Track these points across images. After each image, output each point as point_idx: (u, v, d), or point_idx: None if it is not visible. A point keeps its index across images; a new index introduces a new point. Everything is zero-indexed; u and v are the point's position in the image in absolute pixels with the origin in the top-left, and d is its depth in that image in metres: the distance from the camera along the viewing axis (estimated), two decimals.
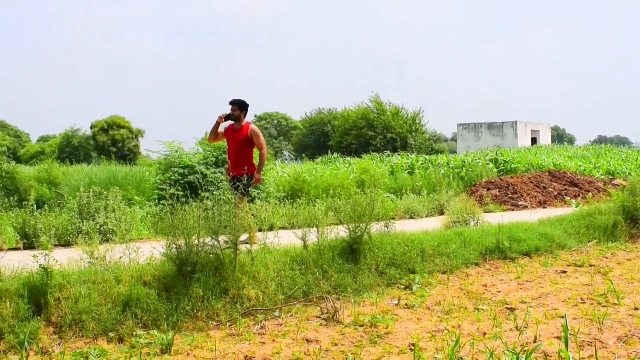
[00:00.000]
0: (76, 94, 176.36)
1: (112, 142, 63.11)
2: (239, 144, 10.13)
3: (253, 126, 10.23)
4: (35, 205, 11.33)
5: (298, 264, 8.08)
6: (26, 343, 5.75)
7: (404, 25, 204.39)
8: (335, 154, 36.65)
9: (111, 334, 6.28)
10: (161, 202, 13.33)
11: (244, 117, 10.31)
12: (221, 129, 10.33)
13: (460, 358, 5.49)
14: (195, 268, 7.16)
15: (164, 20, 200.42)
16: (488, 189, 20.51)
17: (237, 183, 9.07)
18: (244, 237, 8.02)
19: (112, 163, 27.82)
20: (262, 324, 6.79)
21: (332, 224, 8.94)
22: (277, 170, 21.62)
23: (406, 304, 7.69)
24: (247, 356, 5.79)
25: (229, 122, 10.28)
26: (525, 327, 6.51)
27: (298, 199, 15.00)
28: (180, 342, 6.14)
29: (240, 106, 10.21)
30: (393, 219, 11.32)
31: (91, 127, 67.16)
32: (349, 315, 7.09)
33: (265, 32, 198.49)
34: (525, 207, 18.76)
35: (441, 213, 15.80)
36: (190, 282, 7.04)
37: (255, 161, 10.36)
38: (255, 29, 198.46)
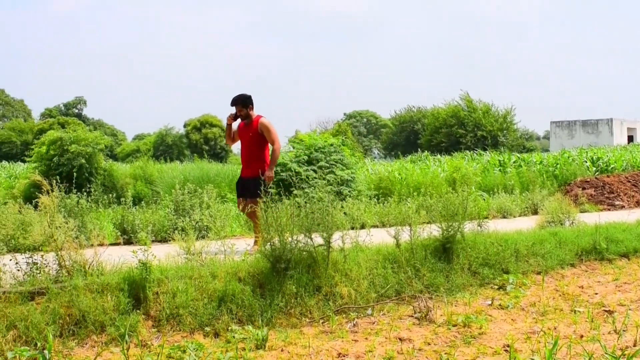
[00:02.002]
0: (170, 93, 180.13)
1: (205, 141, 64.25)
2: (249, 140, 9.47)
3: (263, 119, 9.43)
4: (132, 202, 11.63)
5: (390, 263, 8.06)
6: (127, 336, 5.91)
7: (496, 22, 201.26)
8: (425, 152, 36.35)
9: (207, 329, 6.40)
10: None
11: (252, 110, 9.54)
12: (235, 127, 9.83)
13: None
14: (289, 265, 7.22)
15: (253, 19, 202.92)
16: (583, 188, 19.98)
17: (248, 186, 9.13)
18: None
19: (205, 161, 28.36)
20: (354, 322, 6.81)
21: (423, 222, 8.88)
22: (367, 169, 21.61)
23: (500, 305, 7.59)
24: (340, 353, 5.82)
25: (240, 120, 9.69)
26: (624, 331, 6.35)
27: (388, 198, 14.97)
28: (274, 338, 6.22)
29: (243, 103, 9.46)
30: (486, 218, 11.17)
31: (184, 126, 68.59)
32: (441, 315, 7.04)
33: (355, 31, 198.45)
34: (622, 207, 18.24)
35: (535, 212, 15.51)
36: (284, 279, 7.11)
37: None
38: (345, 28, 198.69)
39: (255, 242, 9.13)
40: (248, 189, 9.18)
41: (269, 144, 9.43)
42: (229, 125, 9.70)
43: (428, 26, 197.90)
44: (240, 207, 9.41)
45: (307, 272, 7.34)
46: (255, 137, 9.36)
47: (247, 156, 9.52)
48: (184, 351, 5.69)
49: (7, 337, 5.71)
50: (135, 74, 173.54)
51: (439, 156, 33.76)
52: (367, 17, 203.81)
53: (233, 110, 9.51)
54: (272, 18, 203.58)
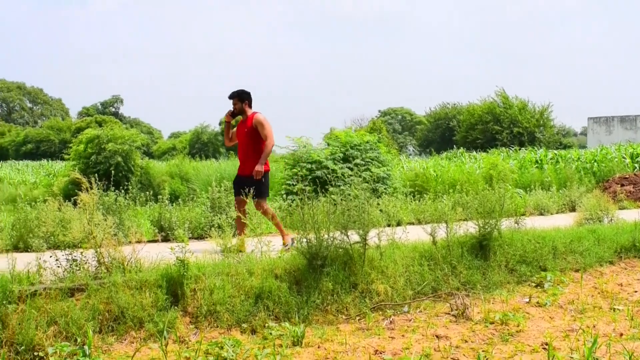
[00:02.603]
0: (205, 91, 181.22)
1: None
2: (245, 137, 9.34)
3: (258, 115, 9.32)
4: (169, 199, 11.72)
5: (427, 260, 8.04)
6: (165, 332, 5.98)
7: (531, 17, 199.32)
8: (460, 149, 36.18)
9: (244, 325, 6.44)
10: (289, 196, 13.54)
11: (249, 107, 9.46)
12: (233, 128, 9.73)
13: (597, 359, 5.35)
14: (325, 262, 7.23)
15: (287, 17, 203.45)
16: (622, 185, 19.72)
17: (245, 185, 8.97)
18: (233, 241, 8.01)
19: None
20: (391, 319, 6.81)
21: (459, 219, 8.84)
22: (403, 166, 21.56)
23: (537, 302, 7.54)
24: (377, 350, 5.82)
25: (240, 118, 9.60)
26: None
27: (424, 195, 14.92)
28: (311, 335, 6.23)
29: (239, 97, 9.40)
30: (523, 215, 11.08)
31: (220, 124, 68.76)
32: (478, 312, 7.01)
33: (390, 27, 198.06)
34: None
35: (572, 209, 15.36)
36: (320, 276, 7.12)
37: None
38: (379, 25, 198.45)
39: (283, 237, 9.26)
40: (250, 187, 9.04)
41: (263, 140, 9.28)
42: (228, 124, 9.65)
43: (463, 21, 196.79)
44: (238, 206, 9.29)
45: (343, 269, 7.35)
46: (251, 133, 9.26)
47: (243, 154, 9.44)
48: (222, 347, 5.72)
49: (48, 332, 5.79)
50: (170, 72, 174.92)
51: (474, 153, 33.58)
52: (402, 13, 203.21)
53: (231, 107, 9.49)
54: (306, 16, 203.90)
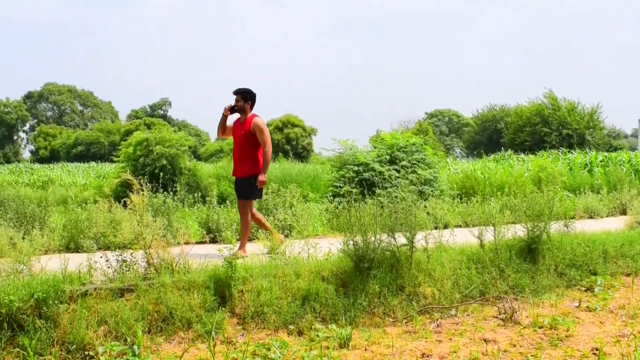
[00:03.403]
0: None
1: (287, 141, 64.55)
2: (241, 139, 9.13)
3: (257, 119, 9.15)
4: (216, 201, 11.79)
5: (474, 263, 7.98)
6: (213, 333, 6.03)
7: (581, 18, 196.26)
8: (508, 151, 35.80)
9: (291, 327, 6.47)
10: (336, 199, 13.54)
11: (251, 108, 9.29)
12: (230, 123, 9.49)
13: None
14: (372, 264, 7.22)
15: (332, 17, 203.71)
16: None
17: (240, 186, 8.96)
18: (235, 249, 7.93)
19: (288, 161, 28.59)
20: (438, 322, 6.78)
21: (508, 222, 8.77)
22: (449, 168, 21.42)
23: (587, 307, 7.44)
24: (424, 354, 5.79)
25: (238, 115, 9.38)
26: None
27: (471, 197, 14.80)
28: (357, 337, 6.24)
29: (244, 96, 9.23)
30: (572, 218, 10.93)
31: (267, 126, 69.32)
32: (527, 317, 6.94)
33: (436, 29, 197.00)
34: None
35: (623, 213, 15.10)
36: (367, 278, 7.12)
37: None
38: (426, 26, 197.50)
39: (241, 246, 8.81)
40: (238, 189, 9.10)
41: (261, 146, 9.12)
42: (224, 117, 9.37)
43: (511, 23, 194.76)
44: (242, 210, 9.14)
45: (390, 271, 7.33)
46: (247, 135, 9.07)
47: (238, 155, 9.22)
48: (269, 349, 5.76)
49: (98, 332, 5.89)
50: (218, 75, 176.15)
51: (522, 155, 33.20)
52: (448, 15, 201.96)
53: (233, 102, 9.30)
54: (352, 16, 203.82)
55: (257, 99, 9.37)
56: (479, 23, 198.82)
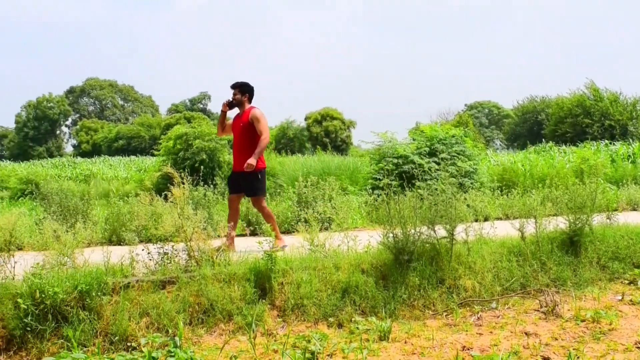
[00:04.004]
0: (291, 87, 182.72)
1: (326, 133, 64.54)
2: (241, 132, 9.00)
3: (255, 110, 8.99)
4: None
5: (515, 256, 7.92)
6: (254, 325, 6.07)
7: (618, 7, 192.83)
8: (549, 143, 35.40)
9: (331, 319, 6.48)
10: (375, 191, 13.52)
11: (249, 101, 9.12)
12: (231, 120, 9.43)
13: None
14: (412, 257, 7.20)
15: (371, 9, 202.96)
16: None
17: (240, 182, 8.80)
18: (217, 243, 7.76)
19: (327, 154, 28.59)
20: (478, 315, 6.74)
21: (549, 215, 8.67)
22: (489, 160, 21.26)
23: (631, 300, 7.34)
24: (464, 347, 5.76)
25: (237, 110, 9.21)
26: None
27: (512, 190, 14.68)
28: (397, 330, 6.23)
29: (241, 89, 9.07)
30: (615, 210, 10.77)
31: (305, 119, 69.13)
32: (569, 310, 6.86)
33: (475, 20, 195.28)
34: None
35: None
36: (407, 271, 7.10)
37: (265, 155, 9.25)
38: (467, 19, 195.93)
39: (277, 239, 8.66)
40: (245, 185, 8.92)
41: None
42: (224, 113, 9.25)
43: (550, 12, 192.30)
44: (232, 203, 9.07)
45: (430, 264, 7.30)
46: (247, 128, 8.93)
47: (239, 149, 9.06)
48: (309, 341, 5.77)
49: (140, 323, 5.97)
50: (256, 68, 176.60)
51: (563, 147, 32.82)
52: (486, 5, 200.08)
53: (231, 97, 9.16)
54: (390, 8, 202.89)
55: (254, 91, 9.23)
56: (517, 14, 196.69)
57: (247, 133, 8.91)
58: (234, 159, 9.15)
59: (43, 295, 5.74)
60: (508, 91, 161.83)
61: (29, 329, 5.68)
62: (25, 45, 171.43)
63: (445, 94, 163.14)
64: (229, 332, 6.14)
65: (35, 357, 5.57)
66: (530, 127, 73.50)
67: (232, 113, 9.39)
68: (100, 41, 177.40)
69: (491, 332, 6.20)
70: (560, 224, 8.44)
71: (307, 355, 5.37)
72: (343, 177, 19.17)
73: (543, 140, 44.04)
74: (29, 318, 5.69)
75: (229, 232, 8.58)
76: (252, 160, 8.59)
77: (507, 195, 13.73)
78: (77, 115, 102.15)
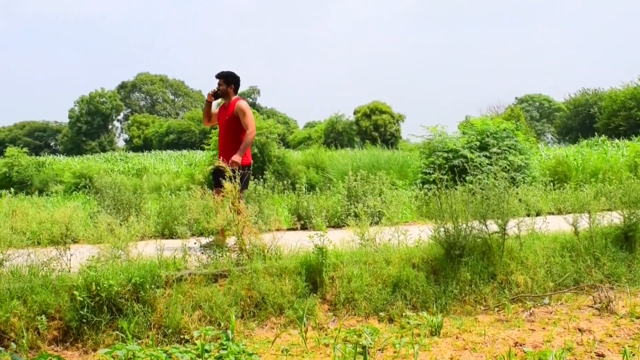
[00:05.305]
0: (340, 81, 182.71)
1: (375, 127, 64.37)
2: (226, 125, 8.68)
3: (240, 102, 8.66)
4: (305, 188, 11.89)
5: (568, 251, 7.83)
6: (305, 318, 6.10)
7: None
8: (602, 137, 34.83)
9: (382, 314, 6.48)
10: (425, 185, 13.46)
11: (234, 92, 8.81)
12: (216, 109, 9.07)
13: None
14: (463, 252, 7.16)
15: (420, 1, 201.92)
16: None
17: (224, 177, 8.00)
18: (206, 240, 7.72)
19: (376, 148, 28.54)
20: (531, 311, 6.67)
21: (603, 210, 8.55)
22: (541, 154, 21.00)
23: None
24: (516, 342, 5.72)
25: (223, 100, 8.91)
26: None
27: (564, 184, 14.49)
28: (448, 325, 6.20)
29: (226, 79, 8.75)
30: None
31: (354, 113, 68.97)
32: (624, 306, 6.76)
33: (526, 12, 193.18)
34: None
35: None
36: (458, 265, 7.06)
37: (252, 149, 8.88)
38: (516, 9, 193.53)
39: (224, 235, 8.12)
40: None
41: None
42: (209, 103, 8.95)
43: (602, 2, 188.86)
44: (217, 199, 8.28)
45: (481, 259, 7.26)
46: (232, 121, 8.62)
47: (223, 142, 8.77)
48: (360, 335, 5.78)
49: (193, 316, 6.04)
50: (305, 62, 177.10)
51: (617, 140, 32.27)
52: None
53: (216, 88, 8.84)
54: (438, 3, 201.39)
55: (240, 82, 8.95)
56: (568, 6, 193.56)
57: (232, 126, 8.66)
58: (219, 153, 8.79)
59: (98, 288, 5.85)
60: (559, 84, 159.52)
61: (84, 320, 5.79)
62: (78, 41, 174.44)
63: (495, 88, 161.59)
64: (280, 325, 6.18)
65: (91, 349, 5.68)
66: (582, 121, 72.38)
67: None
68: (152, 37, 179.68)
69: (544, 328, 6.13)
70: (614, 219, 8.31)
71: (358, 349, 5.37)
72: (392, 172, 19.12)
73: (595, 134, 43.33)
74: (85, 310, 5.80)
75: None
76: (236, 158, 8.28)
77: (560, 189, 13.56)
78: (129, 110, 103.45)
